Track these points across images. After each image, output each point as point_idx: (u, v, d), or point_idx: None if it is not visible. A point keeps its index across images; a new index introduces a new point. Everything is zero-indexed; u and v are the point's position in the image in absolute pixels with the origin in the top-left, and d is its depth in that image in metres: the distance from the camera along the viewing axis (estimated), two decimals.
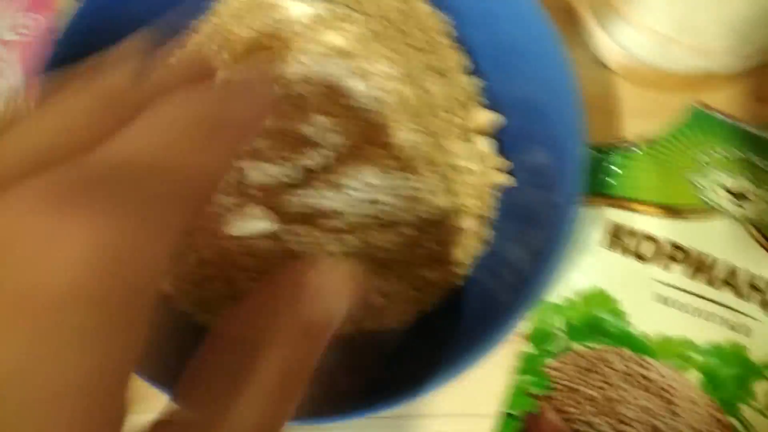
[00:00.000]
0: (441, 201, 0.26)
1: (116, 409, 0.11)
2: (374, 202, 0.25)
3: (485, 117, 0.27)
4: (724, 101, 0.32)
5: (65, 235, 0.10)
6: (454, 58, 0.28)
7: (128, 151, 0.12)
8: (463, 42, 0.29)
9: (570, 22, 0.33)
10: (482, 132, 0.27)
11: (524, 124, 0.27)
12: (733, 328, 0.28)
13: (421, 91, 0.26)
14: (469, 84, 0.28)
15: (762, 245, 0.28)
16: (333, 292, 0.14)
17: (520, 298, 0.24)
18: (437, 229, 0.26)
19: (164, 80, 0.15)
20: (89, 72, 0.14)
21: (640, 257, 0.28)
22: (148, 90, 0.14)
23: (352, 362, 0.25)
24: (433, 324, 0.26)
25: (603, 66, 0.32)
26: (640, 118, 0.32)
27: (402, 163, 0.26)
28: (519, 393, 0.27)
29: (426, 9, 0.28)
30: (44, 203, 0.10)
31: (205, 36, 0.27)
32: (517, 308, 0.24)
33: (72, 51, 0.26)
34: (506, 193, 0.27)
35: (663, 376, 0.27)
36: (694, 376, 0.27)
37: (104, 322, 0.10)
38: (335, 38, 0.27)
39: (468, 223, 0.26)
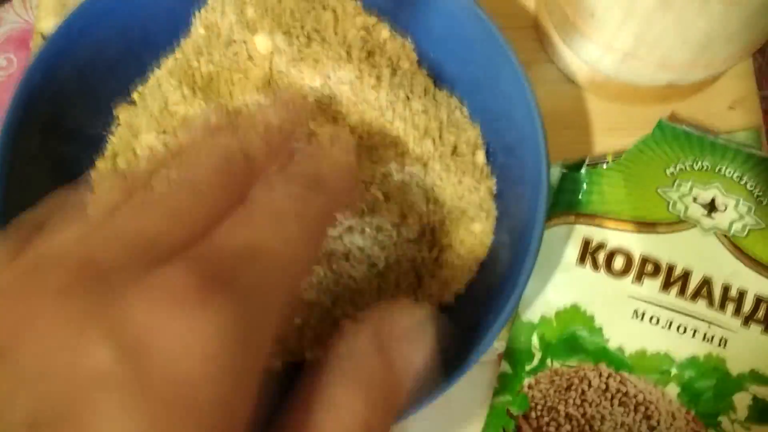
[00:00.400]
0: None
1: None
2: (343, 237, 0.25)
3: (474, 133, 0.28)
4: (693, 111, 0.32)
5: (203, 325, 0.11)
6: (425, 81, 0.28)
7: (244, 240, 0.13)
8: (426, 60, 0.29)
9: (539, 41, 0.34)
10: (476, 147, 0.27)
11: (500, 138, 0.28)
12: (709, 340, 0.28)
13: (408, 113, 0.27)
14: (452, 102, 0.28)
15: (734, 255, 0.28)
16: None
17: (490, 318, 0.24)
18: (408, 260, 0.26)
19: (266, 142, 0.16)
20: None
21: (612, 272, 0.29)
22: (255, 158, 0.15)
23: None
24: None
25: (571, 82, 0.33)
26: (609, 133, 0.32)
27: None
28: (497, 413, 0.27)
29: (386, 34, 0.29)
30: (183, 295, 0.11)
31: (166, 71, 0.28)
32: (488, 328, 0.24)
33: (40, 91, 0.26)
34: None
35: (641, 391, 0.27)
36: (672, 390, 0.27)
37: (232, 393, 0.12)
38: (304, 69, 0.27)
39: (477, 229, 0.26)
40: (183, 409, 0.11)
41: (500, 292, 0.25)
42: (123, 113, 0.28)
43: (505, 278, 0.25)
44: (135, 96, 0.28)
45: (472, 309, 0.26)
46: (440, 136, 0.28)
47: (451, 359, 0.24)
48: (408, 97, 0.28)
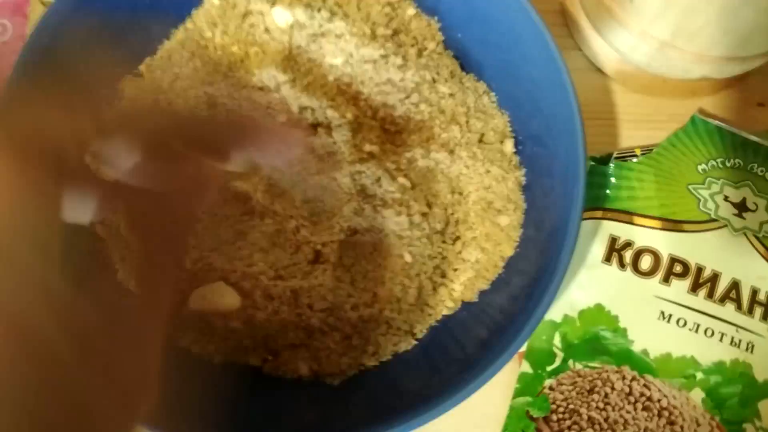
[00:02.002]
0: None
1: None
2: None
3: (503, 120, 0.26)
4: (722, 107, 0.31)
5: None
6: (451, 64, 0.27)
7: None
8: (452, 43, 0.28)
9: (565, 26, 0.32)
10: (504, 135, 0.26)
11: (528, 128, 0.26)
12: (736, 344, 0.27)
13: (435, 96, 0.25)
14: (479, 87, 0.27)
15: (765, 257, 0.27)
16: None
17: (520, 320, 0.23)
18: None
19: None
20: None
21: (639, 271, 0.27)
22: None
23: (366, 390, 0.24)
24: (430, 352, 0.25)
25: (598, 71, 0.31)
26: (636, 125, 0.31)
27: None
28: (517, 415, 0.26)
29: (412, 12, 0.27)
30: None
31: (177, 43, 0.26)
32: (516, 332, 0.22)
33: (38, 57, 0.24)
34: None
35: (665, 396, 0.26)
36: (696, 395, 0.26)
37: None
38: (325, 46, 0.26)
39: (504, 223, 0.25)
40: None
41: (529, 293, 0.23)
42: (129, 86, 0.26)
43: (536, 278, 0.24)
44: (142, 68, 0.26)
45: (498, 309, 0.25)
46: (467, 122, 0.26)
47: (473, 364, 0.23)
48: (434, 80, 0.26)
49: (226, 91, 0.25)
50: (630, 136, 0.31)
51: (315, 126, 0.25)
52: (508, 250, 0.25)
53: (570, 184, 0.23)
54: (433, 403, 0.22)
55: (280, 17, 0.26)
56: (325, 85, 0.26)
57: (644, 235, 0.28)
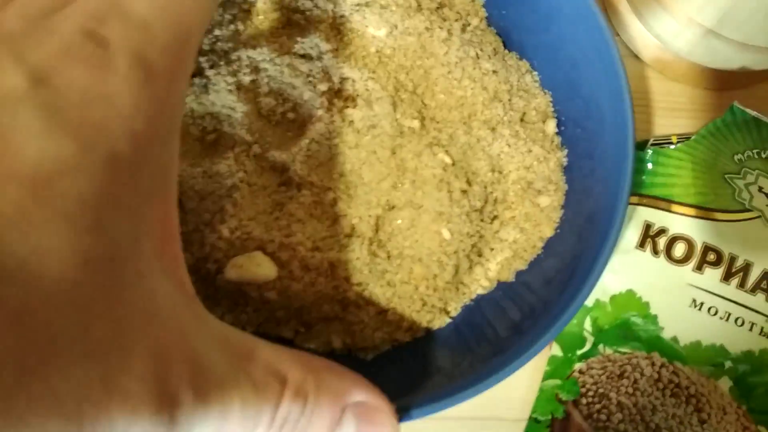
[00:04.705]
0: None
1: None
2: None
3: (545, 100, 0.26)
4: (758, 98, 0.31)
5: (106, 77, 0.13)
6: (495, 41, 0.26)
7: None
8: (497, 22, 0.27)
9: (602, 7, 0.32)
10: (546, 115, 0.26)
11: (569, 109, 0.26)
12: (766, 335, 0.27)
13: (478, 72, 0.25)
14: (522, 66, 0.26)
15: None
16: None
17: (560, 304, 0.22)
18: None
19: None
20: None
21: (672, 258, 0.27)
22: None
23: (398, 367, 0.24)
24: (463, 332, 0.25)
25: (636, 58, 0.31)
26: (673, 114, 0.30)
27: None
28: (546, 398, 0.26)
29: None
30: (79, 45, 0.13)
31: (218, 6, 0.25)
32: (556, 316, 0.22)
33: None
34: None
35: (693, 383, 0.26)
36: (724, 384, 0.27)
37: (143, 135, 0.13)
38: (368, 16, 0.25)
39: (544, 203, 0.25)
40: (98, 134, 0.12)
41: (566, 279, 0.23)
42: None
43: (573, 264, 0.23)
44: None
45: (533, 292, 0.25)
46: (509, 101, 0.26)
47: (506, 348, 0.23)
48: (478, 56, 0.26)
49: (268, 56, 0.24)
50: (664, 124, 0.31)
51: (355, 98, 0.25)
52: (548, 231, 0.25)
53: (615, 173, 0.23)
54: (464, 385, 0.22)
55: None
56: (366, 56, 0.26)
57: (679, 222, 0.27)
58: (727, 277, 0.27)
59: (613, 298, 0.27)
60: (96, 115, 0.12)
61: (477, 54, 0.26)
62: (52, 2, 0.13)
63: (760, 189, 0.28)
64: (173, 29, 0.14)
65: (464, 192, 0.24)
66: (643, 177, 0.28)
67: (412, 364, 0.25)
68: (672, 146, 0.28)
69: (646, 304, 0.27)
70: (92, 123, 0.12)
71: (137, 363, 0.12)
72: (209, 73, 0.24)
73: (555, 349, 0.27)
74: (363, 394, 0.18)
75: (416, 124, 0.25)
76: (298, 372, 0.16)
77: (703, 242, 0.27)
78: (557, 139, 0.26)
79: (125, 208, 0.12)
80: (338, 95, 0.25)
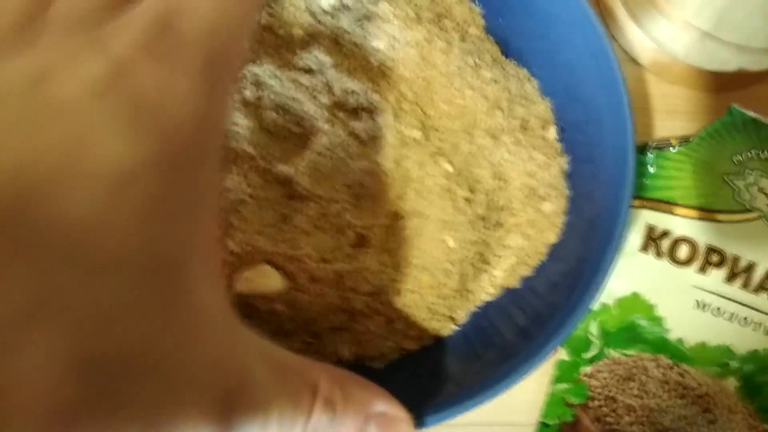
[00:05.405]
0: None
1: None
2: None
3: (545, 107, 0.26)
4: (755, 99, 0.31)
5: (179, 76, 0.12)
6: (493, 50, 0.27)
7: None
8: (495, 30, 0.28)
9: (598, 11, 0.32)
10: (546, 122, 0.26)
11: (568, 115, 0.26)
12: None
13: (478, 81, 0.25)
14: (521, 73, 0.27)
15: None
16: None
17: (568, 308, 0.23)
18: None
19: None
20: None
21: (675, 260, 0.28)
22: None
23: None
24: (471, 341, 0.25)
25: (634, 62, 0.31)
26: (672, 116, 0.31)
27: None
28: (555, 402, 0.26)
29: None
30: (154, 37, 0.12)
31: None
32: (564, 320, 0.22)
33: None
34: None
35: (700, 384, 0.27)
36: (731, 384, 0.27)
37: (207, 134, 0.13)
38: (370, 29, 0.25)
39: (548, 209, 0.25)
40: (173, 134, 0.12)
41: (572, 284, 0.23)
42: None
43: (578, 268, 0.24)
44: None
45: (539, 297, 0.25)
46: (510, 108, 0.26)
47: (513, 354, 0.23)
48: (477, 65, 0.26)
49: (270, 71, 0.25)
50: (663, 127, 0.31)
51: (358, 110, 0.25)
52: (552, 237, 0.25)
53: (617, 176, 0.23)
54: (475, 391, 0.22)
55: (326, 0, 0.25)
56: (368, 68, 0.26)
57: (682, 224, 0.28)
58: (730, 278, 0.27)
59: (618, 301, 0.27)
60: (171, 114, 0.12)
61: (476, 63, 0.26)
62: None
63: (761, 189, 0.28)
64: (231, 33, 0.13)
65: (468, 200, 0.24)
66: (645, 180, 0.28)
67: (421, 372, 0.25)
68: (672, 149, 0.29)
69: (652, 307, 0.27)
70: (168, 122, 0.12)
71: (199, 373, 0.12)
72: None
73: (562, 354, 0.27)
74: (384, 405, 0.18)
75: (419, 134, 0.25)
76: (326, 383, 0.16)
77: (706, 244, 0.28)
78: (558, 145, 0.26)
79: (186, 211, 0.12)
80: (341, 108, 0.25)
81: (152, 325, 0.11)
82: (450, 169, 0.25)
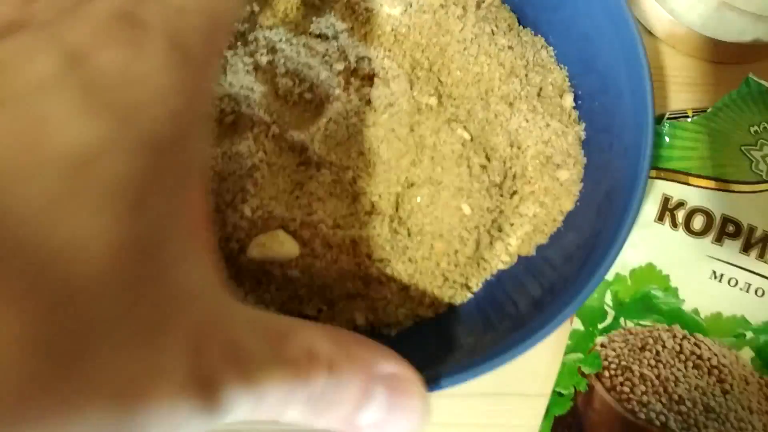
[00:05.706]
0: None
1: None
2: None
3: (561, 75, 0.26)
4: None
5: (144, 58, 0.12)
6: (509, 17, 0.26)
7: None
8: (512, 0, 0.27)
9: None
10: (563, 90, 0.26)
11: (584, 84, 0.26)
12: None
13: (494, 48, 0.25)
14: (537, 41, 0.26)
15: None
16: None
17: (581, 278, 0.22)
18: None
19: None
20: None
21: (691, 231, 0.27)
22: None
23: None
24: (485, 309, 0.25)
25: (649, 33, 0.31)
26: (687, 88, 0.31)
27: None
28: (569, 371, 0.26)
29: None
30: (115, 25, 0.12)
31: None
32: (578, 289, 0.22)
33: None
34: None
35: (715, 354, 0.26)
36: (746, 354, 0.27)
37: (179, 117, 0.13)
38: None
39: (563, 177, 0.25)
40: (136, 115, 0.12)
41: (585, 254, 0.23)
42: None
43: (593, 238, 0.23)
44: None
45: (552, 267, 0.25)
46: (526, 76, 0.26)
47: (526, 323, 0.23)
48: (493, 32, 0.26)
49: (285, 37, 0.25)
50: (679, 99, 0.31)
51: (372, 77, 0.25)
52: (568, 205, 0.25)
53: (635, 147, 0.23)
54: (485, 358, 0.22)
55: None
56: (382, 35, 0.26)
57: (698, 195, 0.27)
58: (746, 249, 0.27)
59: (633, 271, 0.27)
60: (133, 95, 0.12)
61: (492, 30, 0.26)
62: None
63: None
64: (207, 13, 0.14)
65: (483, 167, 0.24)
66: (661, 150, 0.28)
67: (434, 339, 0.25)
68: (688, 119, 0.28)
69: (666, 277, 0.27)
70: (130, 104, 0.12)
71: (178, 345, 0.12)
72: (227, 54, 0.24)
73: (576, 324, 0.27)
74: (392, 366, 0.18)
75: (433, 101, 0.25)
76: (327, 346, 0.16)
77: (722, 214, 0.27)
78: (574, 113, 0.26)
79: (162, 189, 0.12)
80: (355, 74, 0.25)
81: (123, 301, 0.11)
82: (466, 136, 0.25)
